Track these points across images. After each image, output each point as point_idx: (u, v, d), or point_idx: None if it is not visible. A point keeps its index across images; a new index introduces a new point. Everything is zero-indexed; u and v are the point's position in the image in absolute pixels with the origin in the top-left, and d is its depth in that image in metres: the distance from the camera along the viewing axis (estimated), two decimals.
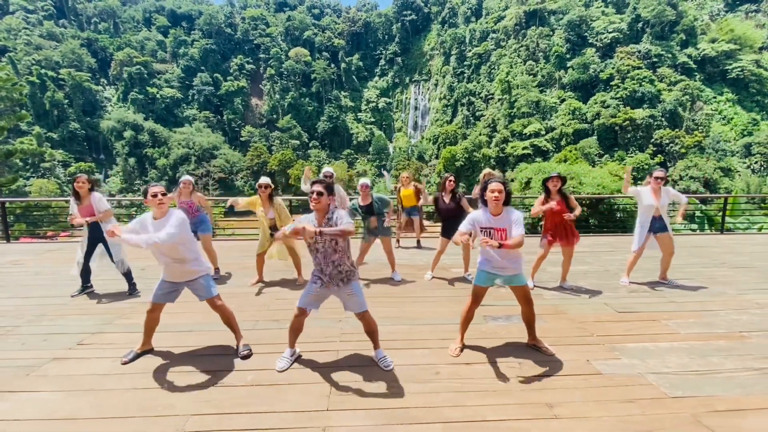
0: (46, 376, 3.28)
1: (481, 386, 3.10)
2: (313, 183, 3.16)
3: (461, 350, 3.64)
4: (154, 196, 3.29)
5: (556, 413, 2.77)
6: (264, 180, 5.51)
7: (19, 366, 3.44)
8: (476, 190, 7.63)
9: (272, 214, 5.46)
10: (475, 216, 3.46)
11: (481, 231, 3.40)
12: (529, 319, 3.65)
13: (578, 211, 5.07)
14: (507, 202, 3.39)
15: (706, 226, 13.74)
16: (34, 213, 19.91)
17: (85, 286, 5.25)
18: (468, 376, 3.25)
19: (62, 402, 2.93)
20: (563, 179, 5.15)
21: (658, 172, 5.40)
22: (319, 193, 3.10)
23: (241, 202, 5.66)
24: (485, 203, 3.43)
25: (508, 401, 2.91)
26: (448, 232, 5.82)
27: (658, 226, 5.43)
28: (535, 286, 5.46)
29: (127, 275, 5.29)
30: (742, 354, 3.64)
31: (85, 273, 5.20)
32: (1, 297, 5.20)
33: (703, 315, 4.52)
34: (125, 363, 3.43)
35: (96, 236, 5.12)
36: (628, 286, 5.52)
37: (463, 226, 3.47)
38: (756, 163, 59.54)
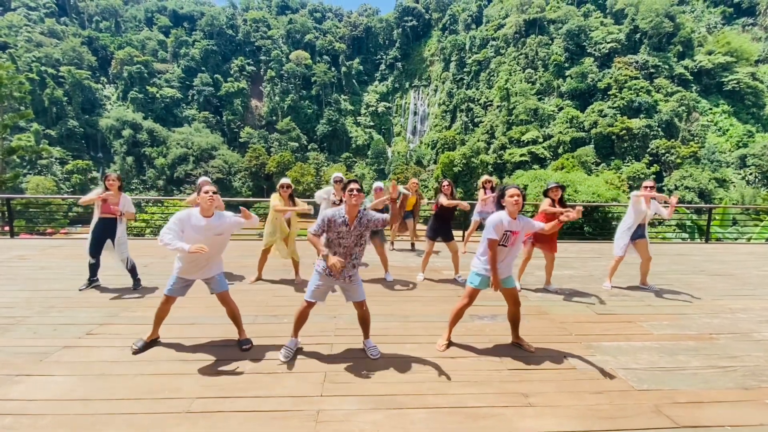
0: (59, 362, 3.51)
1: (464, 377, 3.35)
2: (350, 182, 3.46)
3: (448, 346, 3.89)
4: (206, 192, 3.56)
5: (530, 402, 3.03)
6: (285, 180, 5.80)
7: (32, 353, 3.66)
8: (482, 195, 7.86)
9: (289, 214, 5.79)
10: (497, 220, 3.58)
11: (504, 234, 3.58)
12: (515, 319, 3.91)
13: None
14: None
15: (696, 236, 14.05)
16: (31, 210, 19.98)
17: (92, 280, 5.48)
18: (452, 368, 3.50)
19: (75, 385, 3.16)
20: (563, 188, 5.45)
21: (649, 182, 5.76)
22: (359, 189, 3.40)
23: (277, 205, 5.69)
24: (502, 207, 3.69)
25: (488, 391, 3.16)
26: (435, 234, 6.10)
27: (639, 233, 5.73)
28: (521, 288, 5.73)
29: (132, 271, 5.52)
30: (709, 353, 3.92)
31: (93, 267, 5.44)
32: (11, 289, 5.42)
33: (677, 318, 4.80)
34: (136, 352, 3.65)
35: (105, 233, 5.35)
36: (610, 290, 5.81)
37: (494, 235, 3.55)
38: (751, 174, 60.29)
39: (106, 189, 5.37)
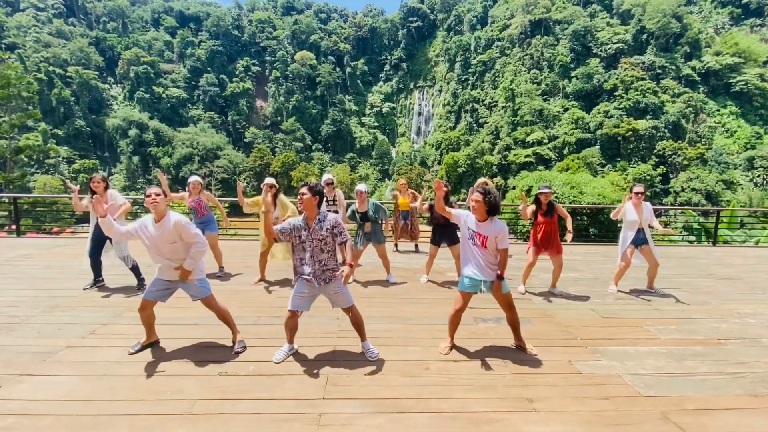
0: (62, 362, 3.51)
1: (467, 381, 3.32)
2: (301, 186, 3.42)
3: (450, 349, 3.85)
4: (148, 196, 3.42)
5: (535, 407, 2.99)
6: (269, 180, 5.60)
7: (35, 352, 3.67)
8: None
9: (277, 213, 5.60)
10: (466, 216, 3.68)
11: (467, 231, 3.62)
12: (514, 323, 3.85)
13: (569, 222, 5.34)
14: (493, 212, 3.54)
15: (703, 239, 13.89)
16: (38, 209, 20.12)
17: (97, 280, 5.50)
18: (455, 371, 3.47)
19: (78, 385, 3.16)
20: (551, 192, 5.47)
21: (638, 188, 5.66)
22: (302, 194, 3.37)
23: (247, 202, 5.83)
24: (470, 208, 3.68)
25: (492, 395, 3.13)
26: (438, 239, 6.05)
27: (641, 238, 5.65)
28: (526, 291, 5.69)
29: (135, 270, 5.53)
30: (718, 359, 3.85)
31: (96, 267, 5.45)
32: (16, 288, 5.44)
33: (685, 322, 4.74)
34: (132, 354, 3.65)
35: (103, 233, 5.35)
36: (616, 294, 5.74)
37: (454, 211, 3.79)
38: (759, 176, 59.58)
39: (92, 192, 5.29)
